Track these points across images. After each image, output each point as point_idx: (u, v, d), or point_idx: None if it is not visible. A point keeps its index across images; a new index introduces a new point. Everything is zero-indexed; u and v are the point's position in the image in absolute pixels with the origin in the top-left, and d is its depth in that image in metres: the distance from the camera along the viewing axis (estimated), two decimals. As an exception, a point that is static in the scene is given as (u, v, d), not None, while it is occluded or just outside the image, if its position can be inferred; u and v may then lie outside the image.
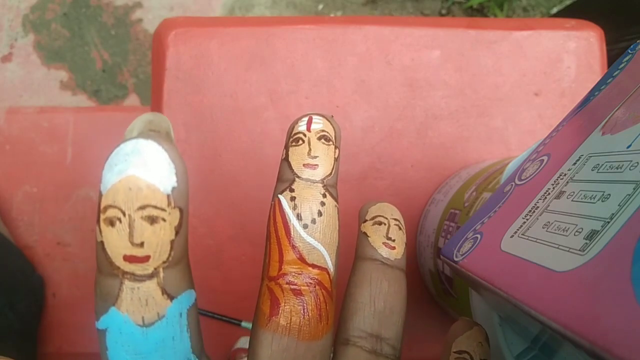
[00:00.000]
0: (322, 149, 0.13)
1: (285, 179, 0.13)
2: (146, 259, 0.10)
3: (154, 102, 0.31)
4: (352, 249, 0.31)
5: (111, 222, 0.10)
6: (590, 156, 0.13)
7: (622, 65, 0.15)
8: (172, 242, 0.10)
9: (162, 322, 0.10)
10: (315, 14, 0.93)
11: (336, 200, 0.14)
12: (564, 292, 0.10)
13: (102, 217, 0.10)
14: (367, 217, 0.15)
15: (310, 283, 0.13)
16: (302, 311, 0.13)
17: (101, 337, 0.10)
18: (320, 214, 0.13)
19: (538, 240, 0.12)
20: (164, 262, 0.10)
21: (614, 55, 0.19)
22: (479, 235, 0.14)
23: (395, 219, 0.15)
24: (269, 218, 0.13)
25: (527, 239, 0.12)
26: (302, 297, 0.13)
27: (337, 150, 0.14)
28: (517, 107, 0.31)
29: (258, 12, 0.91)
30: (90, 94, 0.87)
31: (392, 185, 0.30)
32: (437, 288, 0.27)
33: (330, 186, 0.14)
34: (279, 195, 0.13)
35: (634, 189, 0.10)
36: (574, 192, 0.12)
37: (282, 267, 0.13)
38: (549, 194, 0.13)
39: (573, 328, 0.09)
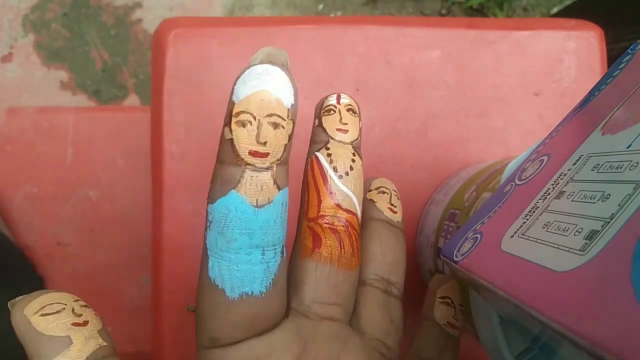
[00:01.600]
0: (351, 118, 0.16)
1: (319, 140, 0.16)
2: (266, 155, 0.12)
3: (154, 102, 0.31)
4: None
5: (243, 124, 0.12)
6: (590, 156, 0.13)
7: (622, 65, 0.15)
8: (285, 145, 0.13)
9: (270, 205, 0.13)
10: (315, 14, 0.93)
11: (362, 160, 0.16)
12: (564, 292, 0.10)
13: (234, 119, 0.12)
14: (372, 187, 0.18)
15: (345, 224, 0.15)
16: (339, 245, 0.15)
17: (215, 217, 0.13)
18: (352, 168, 0.15)
19: (538, 240, 0.12)
20: (277, 160, 0.13)
21: (614, 55, 0.19)
22: (479, 235, 0.14)
23: (395, 190, 0.19)
24: (306, 172, 0.16)
25: (527, 239, 0.12)
26: (339, 235, 0.15)
27: (360, 122, 0.16)
28: (517, 107, 0.31)
29: (258, 12, 0.91)
30: (90, 94, 0.87)
31: (392, 185, 0.30)
32: (437, 288, 0.27)
33: (357, 148, 0.16)
34: (317, 153, 0.15)
35: (634, 189, 0.10)
36: (574, 192, 0.12)
37: (320, 210, 0.15)
38: (549, 194, 0.13)
39: (573, 328, 0.09)
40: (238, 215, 0.12)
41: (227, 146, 0.12)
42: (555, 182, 0.13)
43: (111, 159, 0.49)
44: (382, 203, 0.18)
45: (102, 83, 0.87)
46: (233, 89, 0.12)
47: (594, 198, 0.11)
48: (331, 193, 0.15)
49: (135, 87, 0.88)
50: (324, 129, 0.16)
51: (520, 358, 0.15)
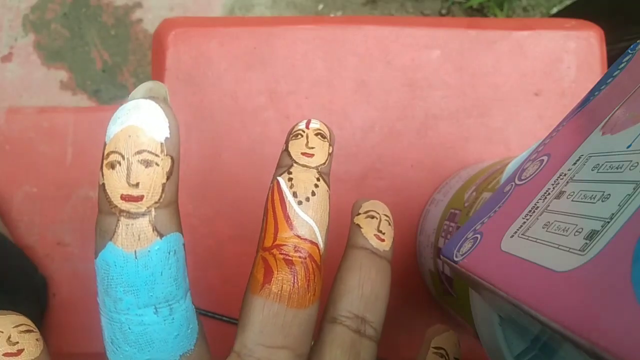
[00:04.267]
0: (318, 142, 0.15)
1: (284, 164, 0.15)
2: (140, 198, 0.11)
3: (154, 102, 0.31)
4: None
5: (112, 165, 0.11)
6: (590, 156, 0.13)
7: (622, 65, 0.15)
8: (163, 185, 0.11)
9: (150, 256, 0.11)
10: (315, 14, 0.93)
11: (328, 186, 0.15)
12: (564, 292, 0.10)
13: (104, 162, 0.11)
14: (361, 211, 0.17)
15: (302, 255, 0.14)
16: (292, 280, 0.14)
17: (99, 273, 0.12)
18: (313, 193, 0.14)
19: (538, 240, 0.12)
20: (155, 203, 0.11)
21: (614, 55, 0.19)
22: (479, 235, 0.14)
23: (386, 215, 0.17)
24: (267, 198, 0.15)
25: (527, 239, 0.12)
26: (293, 267, 0.14)
27: (331, 148, 0.15)
28: (517, 107, 0.31)
29: (258, 12, 0.91)
30: (90, 94, 0.87)
31: (392, 185, 0.30)
32: (437, 288, 0.27)
33: (324, 173, 0.15)
34: (278, 177, 0.15)
35: (634, 189, 0.10)
36: (574, 192, 0.12)
37: (277, 239, 0.14)
38: (549, 194, 0.13)
39: (573, 328, 0.09)
40: (118, 270, 0.11)
41: (101, 193, 0.11)
42: (555, 182, 0.13)
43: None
44: (368, 229, 0.17)
45: (102, 83, 0.87)
46: (106, 129, 0.11)
47: (594, 198, 0.11)
48: (289, 220, 0.14)
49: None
50: (289, 153, 0.15)
51: (520, 358, 0.15)
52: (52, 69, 0.87)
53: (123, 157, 0.11)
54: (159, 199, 0.11)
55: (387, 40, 0.31)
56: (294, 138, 0.15)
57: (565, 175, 0.13)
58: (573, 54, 0.31)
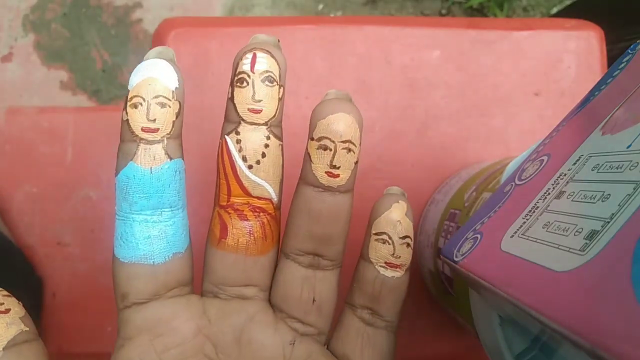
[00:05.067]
0: (266, 92, 0.15)
1: (231, 119, 0.15)
2: (156, 130, 0.14)
3: (154, 102, 0.31)
4: (351, 253, 0.31)
5: (135, 106, 0.14)
6: (590, 156, 0.13)
7: (622, 65, 0.15)
8: (173, 121, 0.14)
9: (162, 171, 0.14)
10: (315, 14, 0.93)
11: (280, 140, 0.15)
12: (564, 292, 0.10)
13: (128, 103, 0.14)
14: (315, 136, 0.15)
15: (256, 211, 0.16)
16: (248, 233, 0.16)
17: (119, 187, 0.15)
18: (264, 155, 0.15)
19: (538, 240, 0.12)
20: (167, 134, 0.14)
21: (614, 55, 0.19)
22: (479, 235, 0.14)
23: (345, 142, 0.14)
24: (217, 155, 0.16)
25: (527, 239, 0.12)
26: (247, 222, 0.16)
27: (281, 90, 0.15)
28: (517, 107, 0.31)
29: (258, 12, 0.91)
30: (90, 94, 0.86)
31: (392, 185, 0.30)
32: (437, 288, 0.27)
33: (274, 126, 0.15)
34: (226, 136, 0.15)
35: (634, 189, 0.10)
36: (574, 192, 0.12)
37: (230, 199, 0.15)
38: (549, 194, 0.13)
39: (573, 328, 0.09)
40: (136, 181, 0.14)
41: (124, 126, 0.14)
42: (555, 182, 0.13)
43: (111, 159, 0.49)
44: (319, 165, 0.15)
45: (102, 83, 0.87)
46: (129, 80, 0.14)
47: (594, 198, 0.11)
48: (240, 184, 0.15)
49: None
50: (235, 107, 0.15)
51: (520, 358, 0.15)
52: (52, 69, 0.86)
53: (144, 99, 0.14)
54: (170, 132, 0.14)
55: (387, 40, 0.31)
56: (238, 84, 0.15)
57: (565, 175, 0.13)
58: (573, 54, 0.31)
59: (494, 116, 0.31)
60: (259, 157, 0.15)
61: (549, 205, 0.12)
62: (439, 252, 0.25)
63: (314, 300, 0.16)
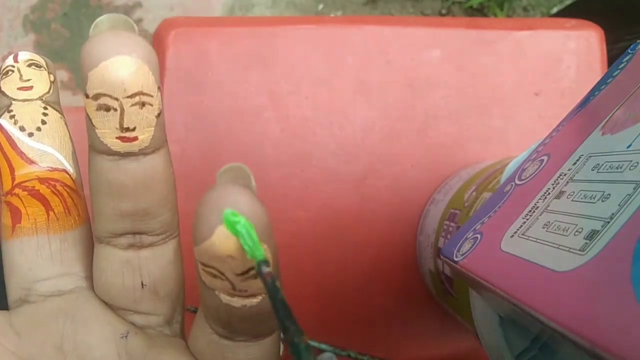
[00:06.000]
0: (34, 72, 0.13)
1: (1, 106, 0.13)
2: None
3: (154, 102, 0.31)
4: (351, 251, 0.31)
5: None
6: (590, 156, 0.13)
7: (622, 65, 0.15)
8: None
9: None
10: (315, 14, 0.93)
11: (61, 114, 0.14)
12: (564, 292, 0.10)
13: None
14: (89, 92, 0.11)
15: (50, 182, 0.13)
16: (45, 210, 0.13)
17: None
18: (44, 122, 0.13)
19: (538, 240, 0.12)
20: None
21: (614, 55, 0.19)
22: (479, 235, 0.14)
23: (133, 96, 0.11)
24: None
25: (527, 239, 0.12)
26: (43, 198, 0.13)
27: (52, 76, 0.14)
28: (517, 107, 0.31)
29: (258, 12, 0.91)
30: (90, 94, 0.87)
31: (392, 185, 0.30)
32: (437, 288, 0.27)
33: (53, 102, 0.14)
34: None
35: (634, 189, 0.10)
36: (574, 192, 0.12)
37: (15, 178, 0.13)
38: (549, 194, 0.13)
39: (573, 328, 0.09)
40: None
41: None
42: (555, 182, 0.13)
43: (111, 159, 0.49)
44: (105, 131, 0.11)
45: (102, 83, 0.87)
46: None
47: (594, 198, 0.11)
48: (22, 155, 0.13)
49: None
50: (3, 93, 0.13)
51: (520, 358, 0.15)
52: (52, 69, 0.87)
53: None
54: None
55: (387, 40, 0.31)
56: (4, 77, 0.13)
57: (565, 175, 0.13)
58: (573, 54, 0.31)
59: (494, 116, 0.31)
60: (39, 125, 0.13)
61: (549, 205, 0.12)
62: (439, 252, 0.25)
63: (142, 284, 0.13)
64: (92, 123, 0.11)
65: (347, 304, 0.30)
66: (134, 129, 0.11)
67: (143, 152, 0.12)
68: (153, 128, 0.11)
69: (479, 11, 0.94)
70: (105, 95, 0.11)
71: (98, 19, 0.12)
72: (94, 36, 0.11)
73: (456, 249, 0.15)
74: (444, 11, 0.94)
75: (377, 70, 0.31)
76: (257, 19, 0.32)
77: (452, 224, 0.24)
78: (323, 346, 0.29)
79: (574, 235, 0.11)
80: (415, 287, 0.30)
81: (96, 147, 0.12)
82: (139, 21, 0.90)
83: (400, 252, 0.30)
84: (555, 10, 0.93)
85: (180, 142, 0.30)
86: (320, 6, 0.93)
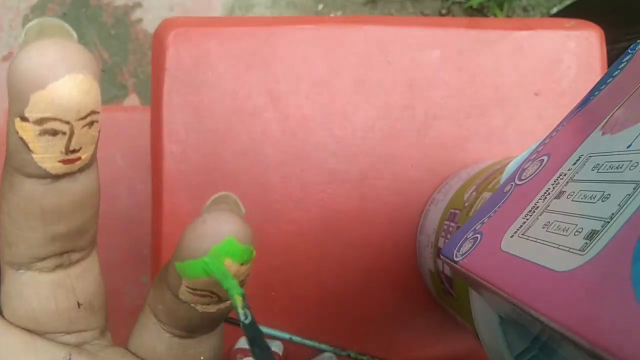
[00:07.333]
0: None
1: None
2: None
3: (154, 102, 0.31)
4: (351, 252, 0.31)
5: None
6: (590, 156, 0.13)
7: (622, 65, 0.15)
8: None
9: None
10: (315, 14, 0.93)
11: None
12: (564, 292, 0.10)
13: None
14: (29, 115, 0.09)
15: None
16: None
17: None
18: None
19: (538, 240, 0.12)
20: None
21: (614, 55, 0.19)
22: (479, 235, 0.14)
23: (89, 114, 0.09)
24: None
25: (527, 239, 0.12)
26: None
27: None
28: (517, 107, 0.31)
29: (258, 12, 0.91)
30: (90, 94, 0.86)
31: (392, 185, 0.30)
32: (437, 288, 0.27)
33: None
34: None
35: (634, 189, 0.10)
36: (574, 192, 0.12)
37: None
38: (549, 193, 0.13)
39: (573, 328, 0.09)
40: None
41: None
42: (555, 182, 0.13)
43: (111, 159, 0.49)
44: (47, 157, 0.10)
45: (102, 83, 0.87)
46: None
47: (594, 198, 0.11)
48: None
49: (135, 87, 0.88)
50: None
51: (520, 358, 0.15)
52: (52, 69, 0.86)
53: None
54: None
55: (387, 40, 0.31)
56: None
57: (565, 175, 0.13)
58: (573, 54, 0.31)
59: (494, 116, 0.31)
60: None
61: (549, 205, 0.12)
62: (439, 252, 0.25)
63: (79, 304, 0.12)
64: (28, 148, 0.09)
65: (347, 303, 0.30)
66: (79, 150, 0.10)
67: (80, 170, 0.10)
68: (95, 144, 0.10)
69: (479, 11, 0.94)
70: (54, 119, 0.09)
71: (29, 25, 0.10)
72: (31, 48, 0.09)
73: (456, 249, 0.15)
74: (444, 11, 0.94)
75: (377, 70, 0.31)
76: (257, 19, 0.32)
77: (452, 224, 0.24)
78: (323, 346, 0.29)
79: (574, 235, 0.11)
80: (415, 287, 0.30)
81: (27, 172, 0.10)
82: (138, 21, 0.90)
83: (400, 252, 0.30)
84: (555, 10, 0.93)
85: (180, 142, 0.30)
86: (320, 6, 0.93)
